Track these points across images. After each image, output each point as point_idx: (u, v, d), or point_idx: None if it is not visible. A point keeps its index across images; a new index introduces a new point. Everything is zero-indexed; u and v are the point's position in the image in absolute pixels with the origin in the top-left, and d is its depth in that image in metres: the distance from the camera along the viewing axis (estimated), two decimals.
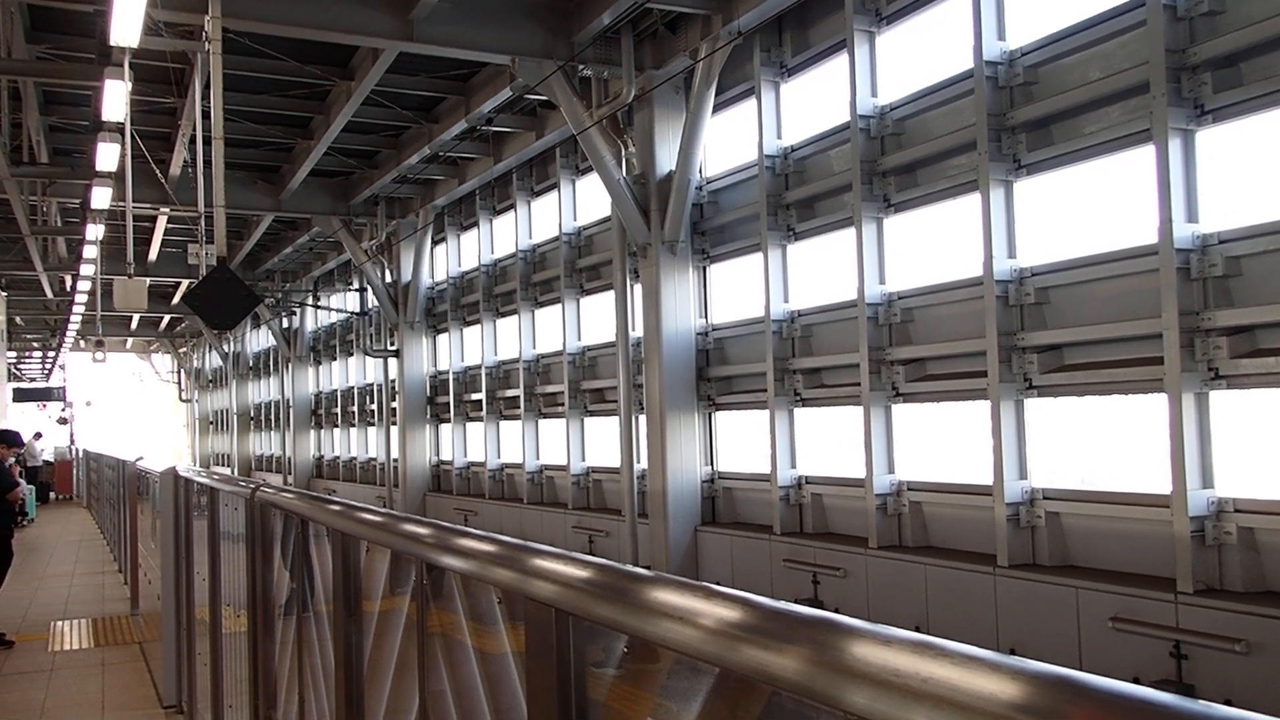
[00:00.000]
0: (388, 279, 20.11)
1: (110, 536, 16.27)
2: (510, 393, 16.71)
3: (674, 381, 11.73)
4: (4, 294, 25.22)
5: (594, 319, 14.53)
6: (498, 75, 13.26)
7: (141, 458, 10.90)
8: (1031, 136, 8.13)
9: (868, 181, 9.45)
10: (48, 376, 45.88)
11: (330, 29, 11.01)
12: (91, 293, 21.91)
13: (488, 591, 2.04)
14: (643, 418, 12.28)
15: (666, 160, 11.74)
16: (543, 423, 15.98)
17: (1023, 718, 0.75)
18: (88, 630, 10.04)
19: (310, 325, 27.84)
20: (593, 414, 14.53)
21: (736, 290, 11.72)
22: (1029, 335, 8.11)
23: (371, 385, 22.86)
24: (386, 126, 16.30)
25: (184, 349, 44.86)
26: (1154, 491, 7.26)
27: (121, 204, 13.78)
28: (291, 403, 28.18)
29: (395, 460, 20.52)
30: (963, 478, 8.92)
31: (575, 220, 14.90)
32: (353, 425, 24.62)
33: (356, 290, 22.23)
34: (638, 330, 12.40)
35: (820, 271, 10.48)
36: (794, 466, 10.66)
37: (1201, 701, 0.71)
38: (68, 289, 25.23)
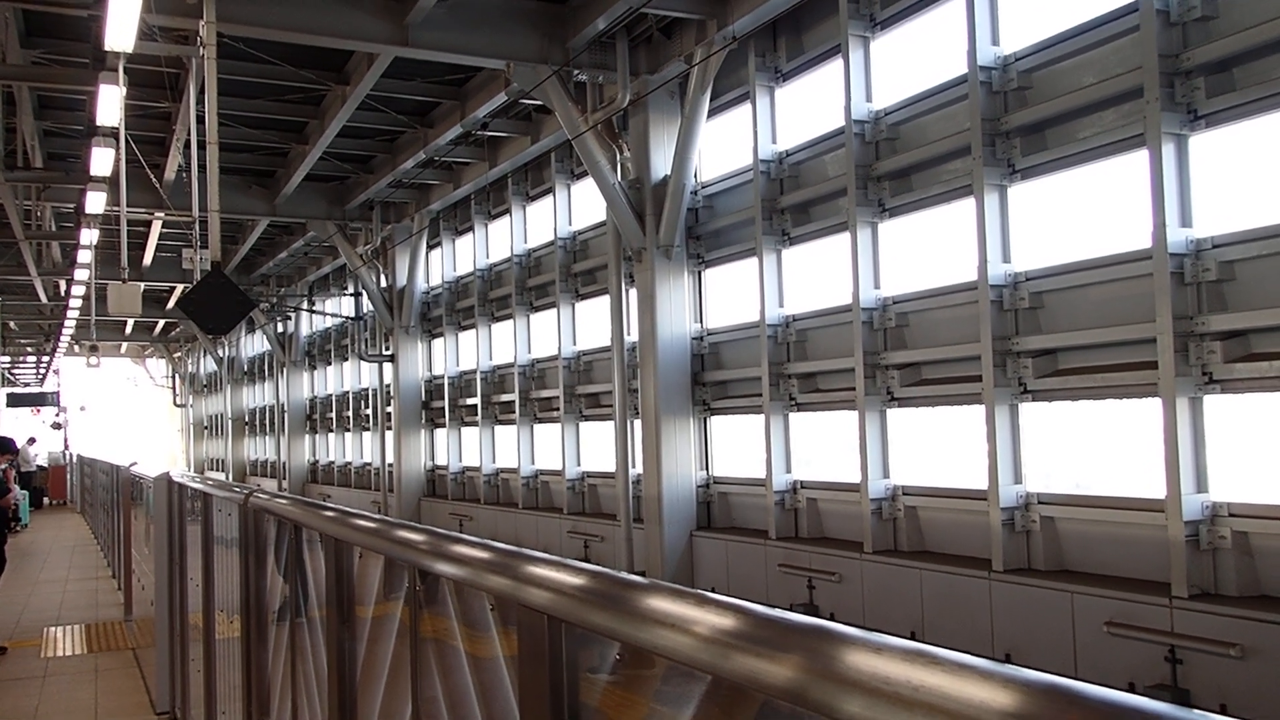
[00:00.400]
0: (383, 284, 20.09)
1: (104, 542, 16.22)
2: (505, 397, 16.70)
3: (669, 386, 11.72)
4: None
5: (589, 324, 14.53)
6: (493, 80, 13.26)
7: (135, 463, 10.87)
8: (1026, 141, 8.15)
9: (862, 186, 9.46)
10: (42, 381, 45.78)
11: (325, 34, 11.02)
12: (86, 297, 21.87)
13: (480, 598, 2.03)
14: (638, 422, 12.27)
15: (661, 165, 11.75)
16: (538, 427, 15.97)
17: None
18: (81, 636, 10.01)
19: (305, 330, 27.80)
20: (588, 419, 14.52)
21: (731, 295, 11.73)
22: (1024, 340, 8.12)
23: (366, 390, 22.83)
24: (381, 131, 16.30)
25: (178, 354, 44.78)
26: (1149, 496, 7.26)
27: (116, 209, 13.76)
28: (286, 407, 28.13)
29: (390, 465, 20.48)
30: (958, 482, 8.92)
31: (570, 225, 14.90)
32: (347, 430, 24.59)
33: (351, 295, 22.21)
34: (633, 335, 12.40)
35: (815, 276, 10.49)
36: (789, 471, 10.66)
37: (1196, 711, 0.71)
38: (62, 293, 25.17)
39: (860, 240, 9.44)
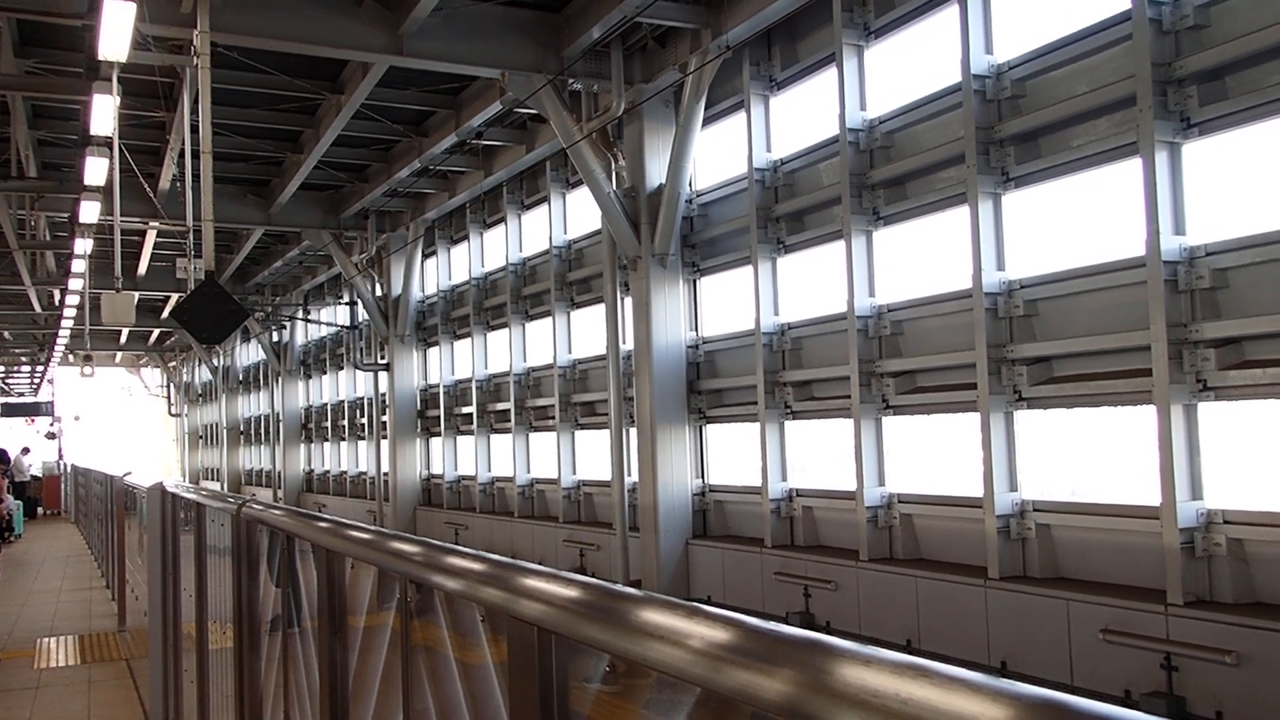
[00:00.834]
0: (378, 292, 20.09)
1: (98, 552, 16.17)
2: (501, 406, 16.69)
3: (665, 394, 11.72)
4: None
5: (584, 332, 14.52)
6: (488, 89, 13.27)
7: (129, 473, 10.84)
8: (1019, 149, 8.16)
9: (857, 194, 9.47)
10: (36, 391, 45.68)
11: (320, 43, 11.02)
12: (80, 307, 21.80)
13: (471, 608, 2.02)
14: (633, 431, 12.27)
15: (656, 173, 11.76)
16: (533, 436, 15.95)
17: None
18: (74, 647, 9.97)
19: (300, 339, 27.77)
20: (583, 427, 14.51)
21: (727, 303, 11.73)
22: (1018, 347, 8.13)
23: (362, 399, 22.80)
24: (376, 140, 16.31)
25: (173, 363, 44.71)
26: (1144, 503, 7.26)
27: (110, 218, 13.74)
28: (281, 417, 28.09)
29: (385, 474, 20.45)
30: (953, 490, 8.92)
31: (565, 233, 14.90)
32: (343, 439, 24.55)
33: (346, 304, 22.18)
34: (628, 343, 12.40)
35: (810, 284, 10.50)
36: (785, 479, 10.65)
37: None
38: (56, 303, 25.12)
39: (855, 248, 9.45)
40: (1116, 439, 7.96)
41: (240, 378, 34.69)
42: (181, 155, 13.02)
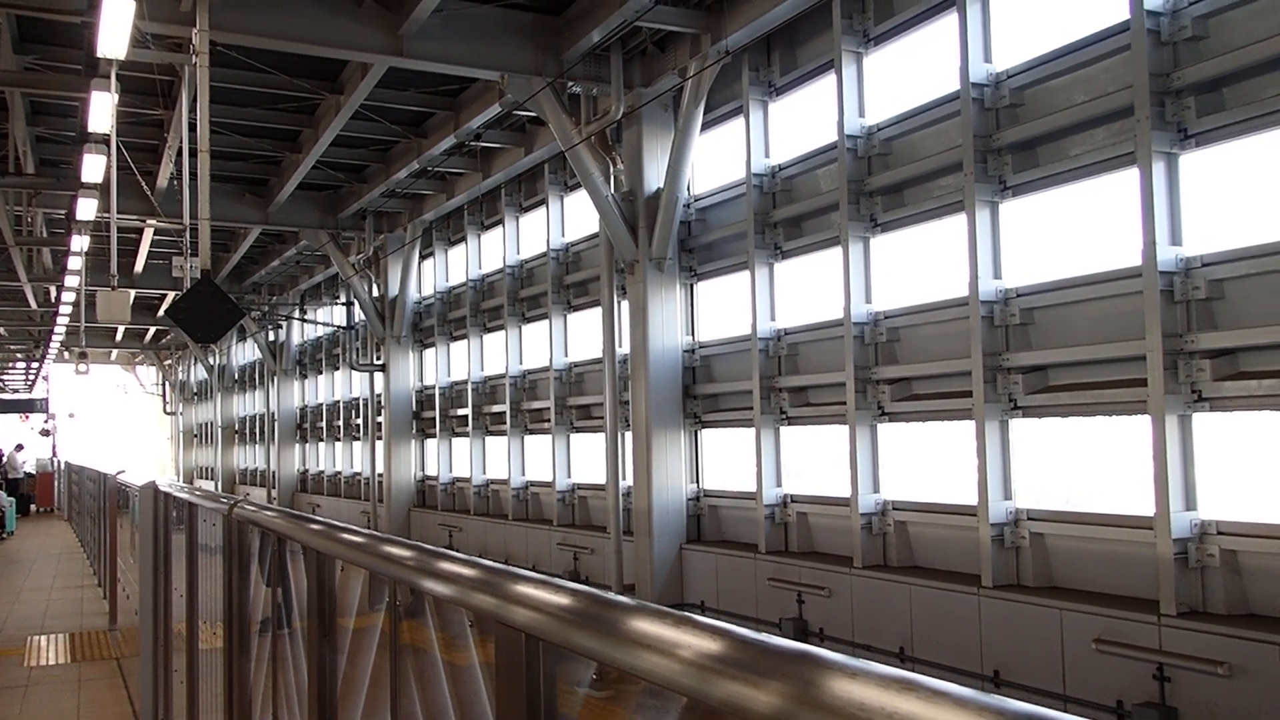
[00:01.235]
0: (375, 293, 20.07)
1: (90, 550, 16.14)
2: (496, 408, 16.67)
3: (660, 398, 11.71)
4: None
5: (581, 335, 14.52)
6: (487, 91, 13.27)
7: (123, 471, 10.82)
8: (1017, 158, 8.17)
9: (854, 201, 9.48)
10: (31, 388, 45.59)
11: (320, 43, 11.01)
12: (76, 304, 21.80)
13: (459, 613, 2.02)
14: (629, 434, 12.26)
15: (655, 177, 11.76)
16: (529, 439, 15.94)
17: None
18: (65, 645, 9.94)
19: (296, 339, 27.75)
20: (579, 430, 14.50)
21: (723, 308, 11.73)
22: (1014, 356, 8.13)
23: (357, 400, 22.78)
24: (375, 141, 16.31)
25: (169, 361, 44.65)
26: (1137, 513, 7.27)
27: (107, 215, 13.73)
28: (276, 416, 28.06)
29: (380, 475, 20.43)
30: (948, 498, 8.92)
31: (563, 236, 14.91)
32: (338, 440, 24.52)
33: (343, 304, 22.17)
34: (624, 347, 12.40)
35: (807, 290, 10.50)
36: (779, 485, 10.65)
37: None
38: (52, 300, 25.09)
39: (852, 255, 9.45)
40: (1111, 449, 7.96)
41: (236, 377, 34.66)
42: (179, 153, 13.01)
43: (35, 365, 41.95)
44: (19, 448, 31.52)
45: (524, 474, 15.94)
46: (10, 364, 44.83)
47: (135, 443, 50.55)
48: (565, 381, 14.67)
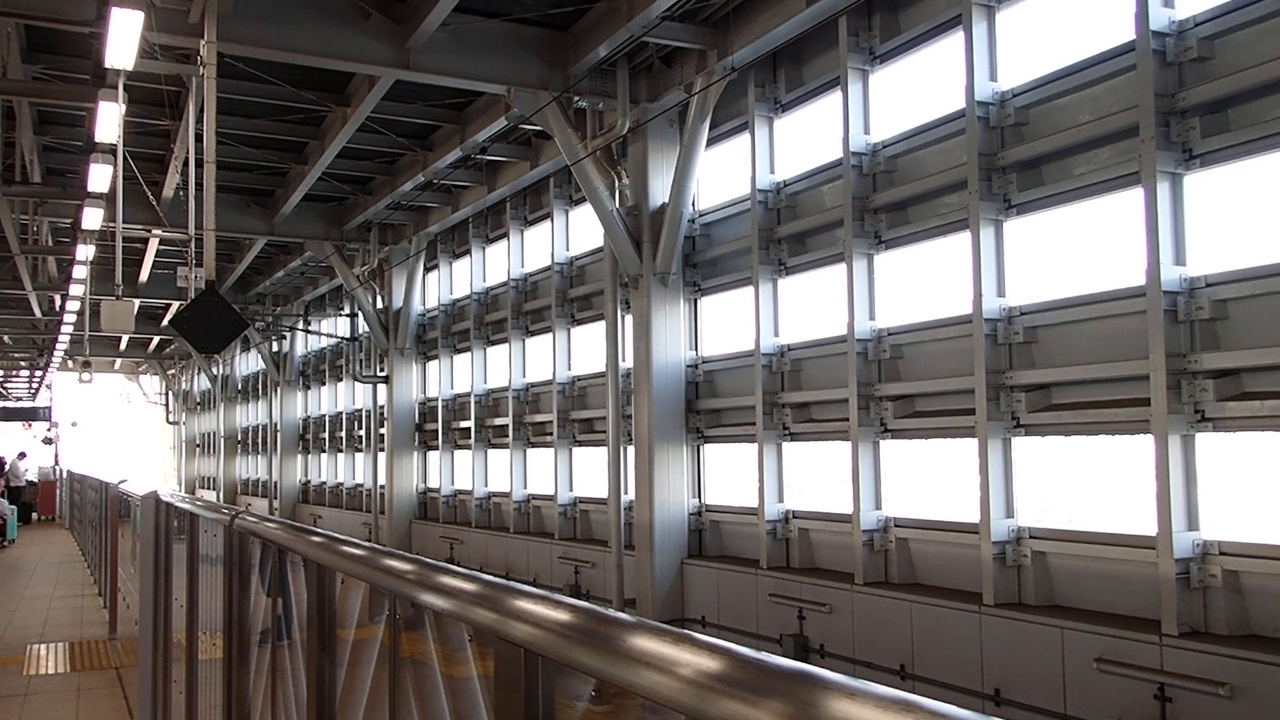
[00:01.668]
0: (379, 305, 20.09)
1: (91, 559, 16.13)
2: (499, 421, 16.67)
3: (663, 413, 11.71)
4: None
5: (584, 349, 14.53)
6: (493, 104, 13.32)
7: (125, 480, 10.82)
8: (1022, 177, 8.18)
9: (859, 218, 9.49)
10: (34, 396, 45.64)
11: (327, 56, 11.06)
12: (80, 313, 21.83)
13: (459, 627, 2.02)
14: (631, 449, 12.25)
15: (659, 192, 11.78)
16: (531, 452, 15.93)
17: None
18: (65, 654, 9.93)
19: (300, 350, 27.77)
20: (581, 444, 14.49)
21: (727, 323, 11.74)
22: (1017, 374, 8.13)
23: (360, 411, 22.78)
24: (381, 153, 16.35)
25: (172, 371, 44.70)
26: (1140, 533, 7.25)
27: (112, 225, 13.76)
28: (279, 427, 28.06)
29: (382, 487, 20.41)
30: (950, 515, 8.90)
31: (568, 250, 14.93)
32: (340, 451, 24.51)
33: (347, 315, 22.21)
34: (628, 361, 12.40)
35: (810, 306, 10.50)
36: (781, 501, 10.63)
37: None
38: (56, 309, 25.14)
39: (856, 271, 9.46)
40: (1114, 468, 7.94)
41: (239, 387, 34.68)
42: (185, 164, 13.05)
43: (39, 373, 41.99)
44: (22, 456, 31.53)
45: (526, 487, 15.93)
46: (14, 372, 44.88)
47: (137, 452, 50.55)
48: (568, 395, 14.67)
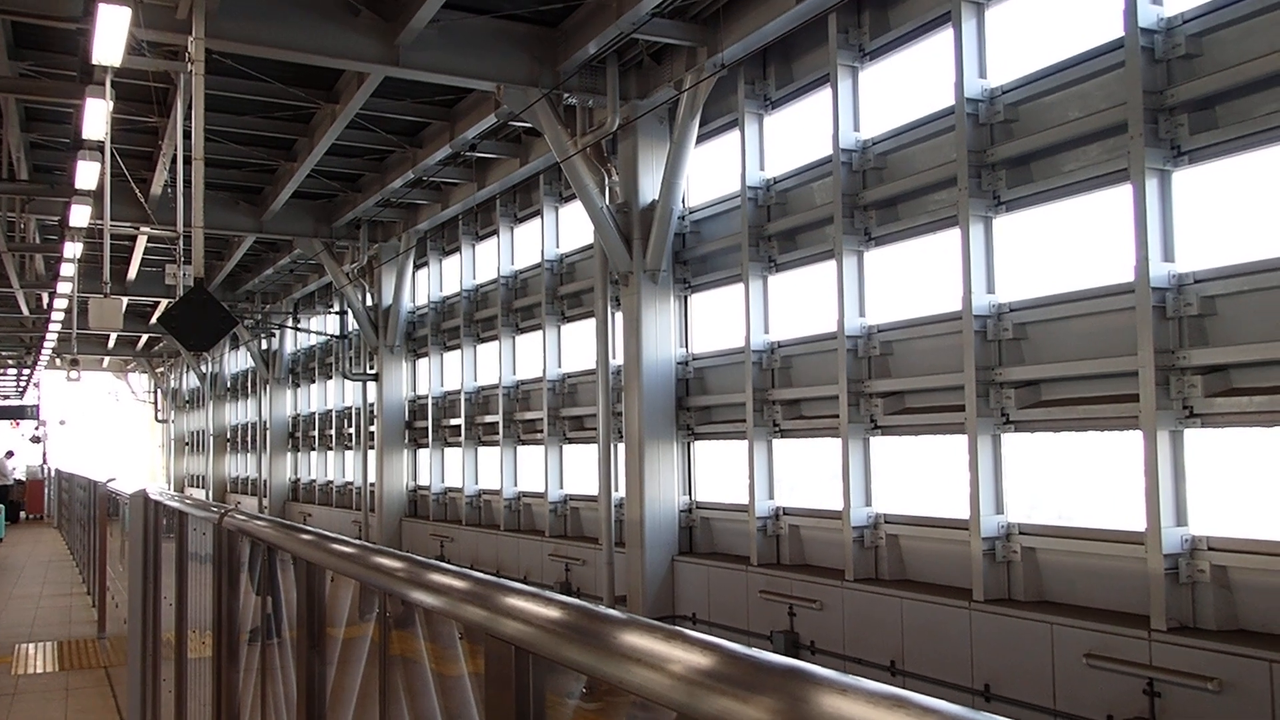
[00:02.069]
0: (368, 302, 20.05)
1: (80, 558, 16.06)
2: (489, 418, 16.65)
3: (653, 410, 11.71)
4: None
5: (575, 346, 14.52)
6: (483, 101, 13.29)
7: (113, 478, 10.78)
8: (1011, 173, 8.20)
9: (849, 215, 9.50)
10: (21, 394, 45.44)
11: (315, 52, 11.02)
12: (68, 311, 21.75)
13: (449, 624, 2.01)
14: (621, 446, 12.25)
15: (649, 189, 11.78)
16: (521, 449, 15.91)
17: None
18: (53, 653, 9.88)
19: (289, 347, 27.69)
20: (571, 441, 14.48)
21: (717, 320, 11.74)
22: (1007, 370, 8.15)
23: (350, 409, 22.73)
24: (370, 150, 16.30)
25: (161, 369, 44.53)
26: (1129, 528, 7.27)
27: (100, 222, 13.71)
28: (269, 425, 27.98)
29: (372, 485, 20.38)
30: (940, 512, 8.92)
31: (558, 247, 14.91)
32: (330, 449, 24.46)
33: (337, 313, 22.15)
34: (618, 358, 12.40)
35: (801, 303, 10.51)
36: (772, 497, 10.64)
37: None
38: (44, 306, 25.04)
39: (846, 268, 9.47)
40: (1103, 464, 7.97)
41: (228, 385, 34.57)
42: (174, 161, 13.01)
43: (27, 372, 41.82)
44: (9, 454, 31.39)
45: (516, 485, 15.92)
46: (1, 370, 44.67)
47: (126, 450, 50.37)
48: (558, 392, 14.66)
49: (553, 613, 1.42)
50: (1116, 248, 7.35)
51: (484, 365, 17.28)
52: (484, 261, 17.44)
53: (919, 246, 9.18)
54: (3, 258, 19.34)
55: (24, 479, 32.23)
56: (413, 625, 2.23)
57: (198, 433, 39.03)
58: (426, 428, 18.88)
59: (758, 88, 10.90)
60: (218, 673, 4.01)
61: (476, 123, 13.56)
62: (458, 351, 17.81)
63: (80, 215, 13.83)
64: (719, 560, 11.19)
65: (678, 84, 10.98)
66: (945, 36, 8.69)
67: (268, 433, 27.98)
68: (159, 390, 46.04)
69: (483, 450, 17.17)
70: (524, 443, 15.76)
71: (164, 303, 23.84)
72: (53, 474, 30.86)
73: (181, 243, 13.06)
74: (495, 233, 16.61)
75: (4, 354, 39.43)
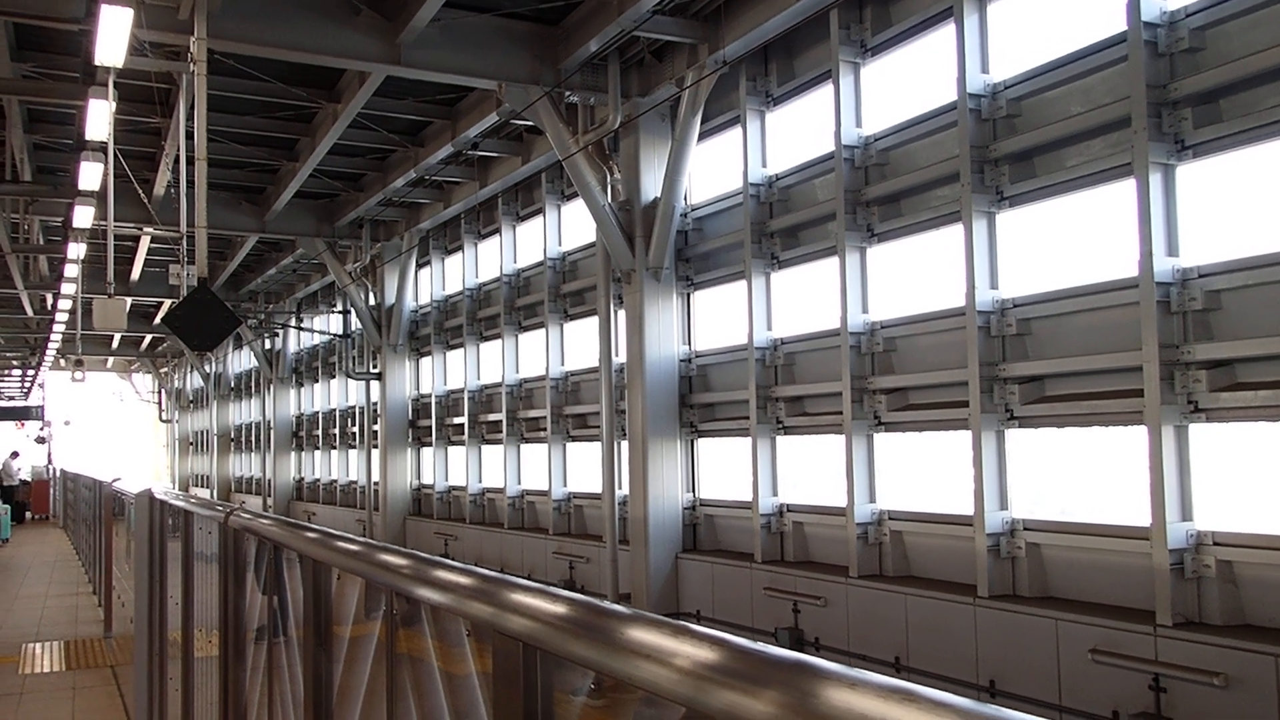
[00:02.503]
0: (371, 301, 20.06)
1: (86, 558, 16.09)
2: (492, 417, 16.66)
3: (657, 408, 11.71)
4: None
5: (578, 344, 14.52)
6: (484, 100, 13.29)
7: (119, 478, 10.79)
8: (1014, 169, 8.19)
9: (851, 211, 9.49)
10: (26, 395, 45.49)
11: (317, 52, 11.02)
12: (72, 311, 21.78)
13: (456, 622, 2.01)
14: (625, 444, 12.25)
15: (651, 187, 11.77)
16: (525, 447, 15.92)
17: None
18: (60, 653, 9.91)
19: (293, 347, 27.72)
20: (575, 439, 14.48)
21: (720, 317, 11.74)
22: (1010, 366, 8.14)
23: (353, 408, 22.75)
24: (372, 149, 16.31)
25: (165, 369, 44.58)
26: (1134, 524, 7.26)
27: (103, 223, 13.72)
28: (272, 424, 28.01)
29: (376, 484, 20.39)
30: (944, 508, 8.91)
31: (560, 245, 14.91)
32: (334, 448, 24.48)
33: (340, 312, 22.16)
34: (621, 356, 12.39)
35: (803, 300, 10.50)
36: (775, 494, 10.64)
37: None
38: (48, 307, 25.06)
39: (849, 265, 9.46)
40: (1107, 459, 7.96)
41: (232, 384, 34.60)
42: (176, 161, 13.02)
43: (31, 372, 41.86)
44: (14, 455, 31.45)
45: (520, 483, 15.92)
46: (6, 371, 44.74)
47: (131, 450, 50.43)
48: (561, 390, 14.67)
49: (559, 608, 1.42)
50: (1120, 242, 7.34)
51: (487, 364, 17.28)
52: (486, 260, 17.44)
53: (922, 242, 9.17)
54: (7, 259, 19.36)
55: (29, 479, 32.26)
56: (419, 623, 2.24)
57: (202, 432, 39.07)
58: (430, 426, 18.89)
59: (759, 84, 10.89)
60: (224, 671, 4.01)
61: (478, 121, 13.56)
62: (460, 350, 17.82)
63: (84, 216, 13.84)
64: (723, 557, 11.19)
65: (679, 81, 10.98)
66: (947, 32, 8.67)
67: (272, 432, 28.01)
68: (163, 390, 46.11)
69: (486, 448, 17.18)
70: (527, 441, 15.77)
71: (167, 303, 23.87)
72: (58, 474, 30.91)
73: (185, 243, 13.05)
74: (497, 231, 16.61)
75: (9, 355, 39.48)
